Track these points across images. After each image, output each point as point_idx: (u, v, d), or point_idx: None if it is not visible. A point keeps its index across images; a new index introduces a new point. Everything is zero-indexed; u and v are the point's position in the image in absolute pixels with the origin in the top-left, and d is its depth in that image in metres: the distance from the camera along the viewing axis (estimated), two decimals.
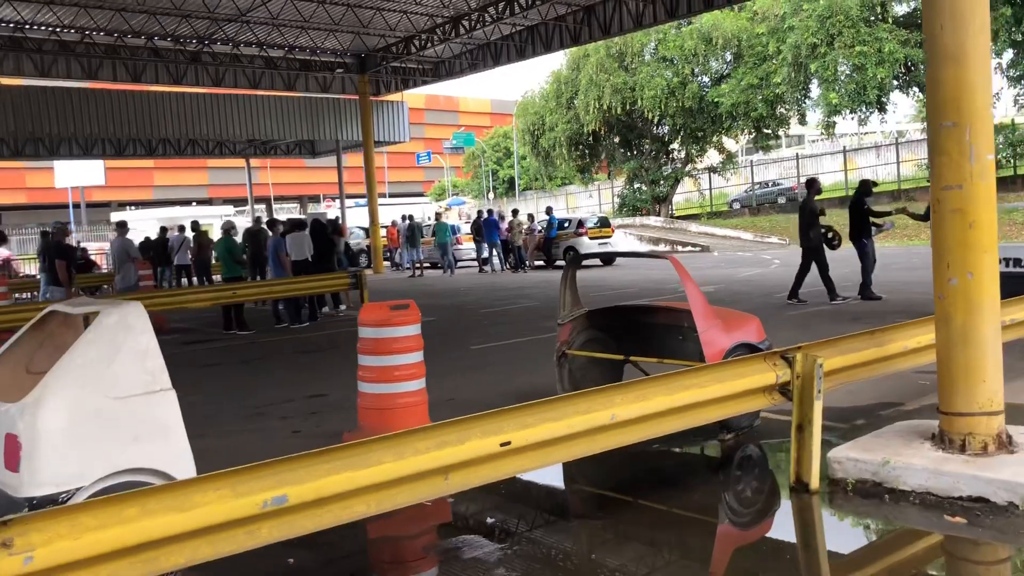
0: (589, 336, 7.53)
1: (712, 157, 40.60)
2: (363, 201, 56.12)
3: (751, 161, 43.57)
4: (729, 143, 40.03)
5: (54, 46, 23.57)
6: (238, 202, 63.45)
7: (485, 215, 26.16)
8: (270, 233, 16.00)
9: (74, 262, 17.61)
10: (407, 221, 26.52)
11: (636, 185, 40.04)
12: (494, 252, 25.70)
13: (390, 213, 47.53)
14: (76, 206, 56.13)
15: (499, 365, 9.90)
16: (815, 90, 32.78)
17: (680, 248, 31.73)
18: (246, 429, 7.60)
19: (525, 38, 25.75)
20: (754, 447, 6.42)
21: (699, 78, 36.32)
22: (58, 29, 22.59)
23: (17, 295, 19.54)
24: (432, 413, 7.89)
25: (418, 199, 64.51)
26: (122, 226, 14.26)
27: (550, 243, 25.36)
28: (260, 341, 13.26)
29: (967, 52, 4.81)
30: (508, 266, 25.78)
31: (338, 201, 38.32)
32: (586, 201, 48.93)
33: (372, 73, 29.28)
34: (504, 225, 26.05)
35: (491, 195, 58.12)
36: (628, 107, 35.77)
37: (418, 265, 26.32)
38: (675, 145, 39.08)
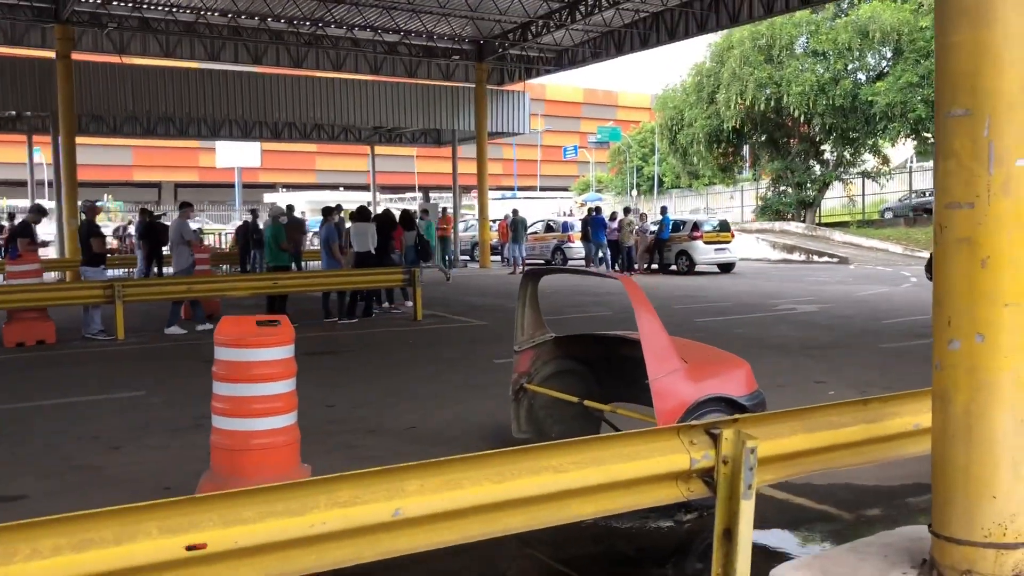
0: (558, 368, 6.16)
1: (872, 161, 37.36)
2: (509, 194, 55.72)
3: (910, 167, 39.87)
4: (892, 147, 36.70)
5: (179, 27, 23.80)
6: (399, 189, 64.46)
7: (594, 213, 24.63)
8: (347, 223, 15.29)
9: (160, 242, 17.60)
10: (514, 216, 25.38)
11: (781, 187, 37.40)
12: (599, 253, 24.13)
13: (541, 207, 46.51)
14: (245, 186, 58.47)
15: (504, 387, 8.60)
16: None
17: (816, 258, 29.23)
18: (166, 445, 6.73)
19: (649, 25, 24.18)
20: None
21: (853, 75, 33.38)
22: (175, 9, 22.79)
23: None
24: (385, 443, 6.76)
25: (560, 194, 63.41)
26: (183, 206, 13.80)
27: (662, 245, 23.56)
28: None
29: (992, 5, 3.20)
30: (616, 268, 24.16)
31: (474, 192, 37.54)
32: (728, 203, 46.32)
33: (494, 62, 28.36)
34: (614, 225, 24.40)
35: (634, 192, 56.18)
36: (773, 103, 33.31)
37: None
38: (826, 147, 36.20)
